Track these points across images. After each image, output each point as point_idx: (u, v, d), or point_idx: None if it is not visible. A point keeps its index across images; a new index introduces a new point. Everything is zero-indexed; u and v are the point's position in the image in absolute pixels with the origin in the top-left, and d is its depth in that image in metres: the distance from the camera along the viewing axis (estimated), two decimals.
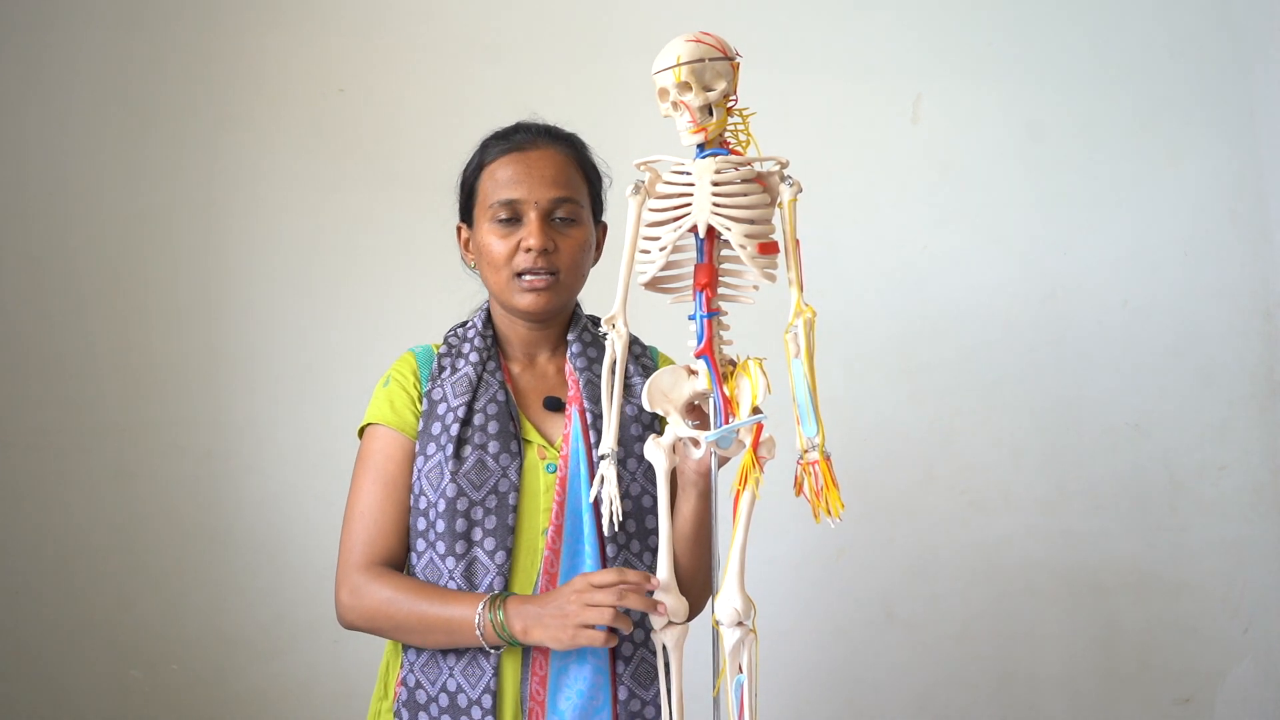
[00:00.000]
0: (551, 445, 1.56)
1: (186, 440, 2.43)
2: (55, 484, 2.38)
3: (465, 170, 1.62)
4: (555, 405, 1.58)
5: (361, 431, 1.60)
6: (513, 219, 1.54)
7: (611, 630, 1.39)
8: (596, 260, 1.64)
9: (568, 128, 1.66)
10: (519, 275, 1.53)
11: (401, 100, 2.54)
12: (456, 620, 1.44)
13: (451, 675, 1.49)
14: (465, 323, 1.65)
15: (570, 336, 1.62)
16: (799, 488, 1.29)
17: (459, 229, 1.65)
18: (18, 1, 2.43)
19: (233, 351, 2.47)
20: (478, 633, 1.43)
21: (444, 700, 1.49)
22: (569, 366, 1.59)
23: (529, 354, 1.63)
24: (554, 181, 1.55)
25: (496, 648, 1.45)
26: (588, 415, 1.54)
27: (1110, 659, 2.63)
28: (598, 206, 1.63)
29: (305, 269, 2.49)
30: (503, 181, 1.55)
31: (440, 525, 1.50)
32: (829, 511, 1.27)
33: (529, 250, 1.52)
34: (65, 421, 2.39)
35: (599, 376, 1.56)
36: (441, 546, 1.50)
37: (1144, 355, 2.67)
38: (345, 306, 2.49)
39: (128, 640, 2.39)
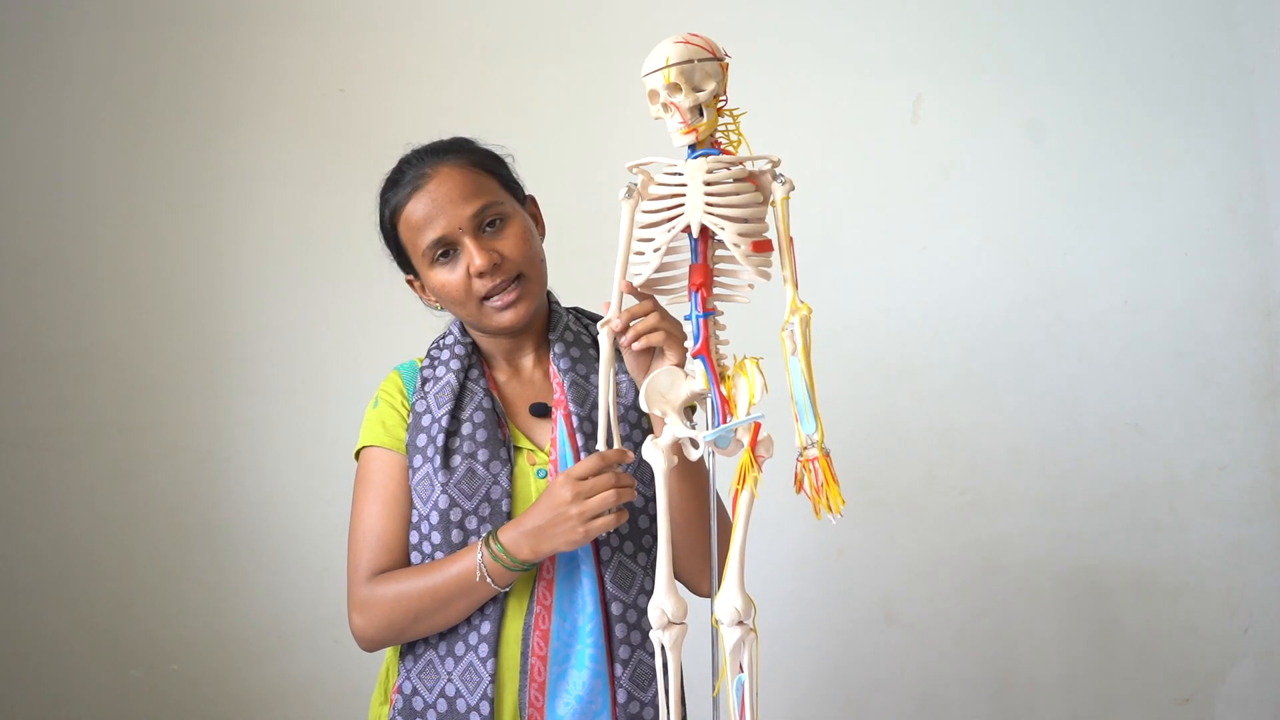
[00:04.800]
0: (541, 450, 1.55)
1: (186, 440, 2.43)
2: (55, 484, 2.39)
3: (382, 228, 1.58)
4: (542, 411, 1.58)
5: (357, 455, 1.60)
6: (449, 253, 1.51)
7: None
8: (543, 234, 1.62)
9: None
10: (485, 299, 1.52)
11: (401, 100, 2.54)
12: (465, 576, 1.44)
13: (450, 681, 1.49)
14: (444, 334, 1.64)
15: (551, 337, 1.60)
16: (799, 485, 1.29)
17: (410, 281, 1.62)
18: (16, 1, 2.43)
19: (232, 352, 2.47)
20: (484, 578, 1.43)
21: (442, 706, 1.48)
22: (553, 369, 1.58)
23: (513, 361, 1.62)
24: (463, 196, 1.51)
25: (508, 586, 1.45)
26: (573, 418, 1.54)
27: (1110, 659, 2.62)
28: (515, 187, 1.60)
29: (306, 269, 2.50)
30: (419, 224, 1.51)
31: (436, 537, 1.50)
32: (830, 508, 1.27)
33: (481, 275, 1.49)
34: (65, 421, 2.39)
35: (583, 378, 1.56)
36: (440, 558, 1.50)
37: (1144, 355, 2.66)
38: (345, 306, 2.49)
39: (128, 640, 2.39)
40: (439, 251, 1.51)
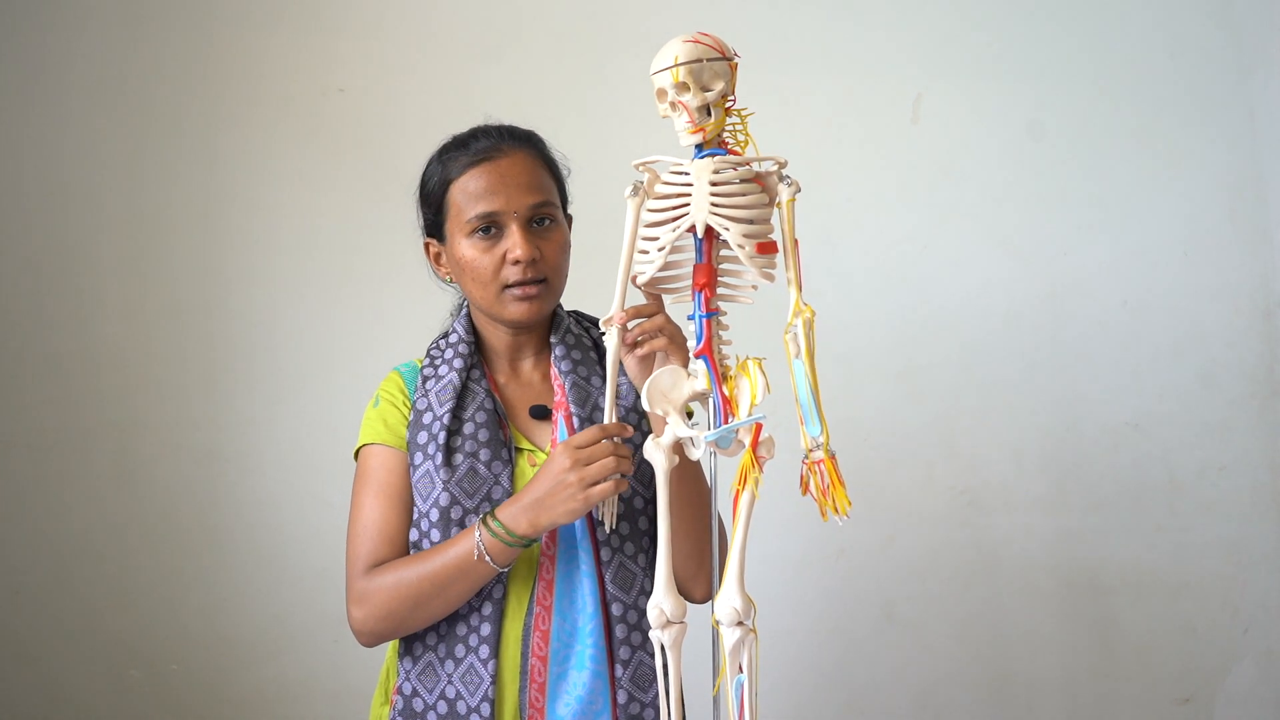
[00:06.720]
0: (541, 451, 1.55)
1: (186, 440, 2.43)
2: (55, 484, 2.38)
3: (427, 186, 1.58)
4: (541, 414, 1.58)
5: (357, 454, 1.59)
6: (492, 231, 1.52)
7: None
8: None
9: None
10: (507, 287, 1.52)
11: (402, 100, 2.54)
12: (464, 557, 1.43)
13: (450, 683, 1.48)
14: (446, 333, 1.64)
15: (553, 339, 1.60)
16: (805, 487, 1.29)
17: (427, 245, 1.62)
18: (17, 1, 2.43)
19: (233, 351, 2.47)
20: (482, 557, 1.42)
21: (443, 708, 1.48)
22: (554, 371, 1.58)
23: (513, 361, 1.62)
24: (528, 187, 1.52)
25: (507, 565, 1.44)
26: (574, 420, 1.53)
27: (1110, 659, 2.63)
28: (565, 200, 1.61)
29: (305, 268, 2.50)
30: (476, 194, 1.51)
31: (436, 534, 1.49)
32: (836, 510, 1.27)
33: (517, 262, 1.50)
34: (65, 421, 2.39)
35: (584, 379, 1.57)
36: None
37: (1144, 355, 2.67)
38: (345, 306, 2.50)
39: (128, 640, 2.39)
40: (483, 225, 1.51)
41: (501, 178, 1.52)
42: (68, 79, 2.44)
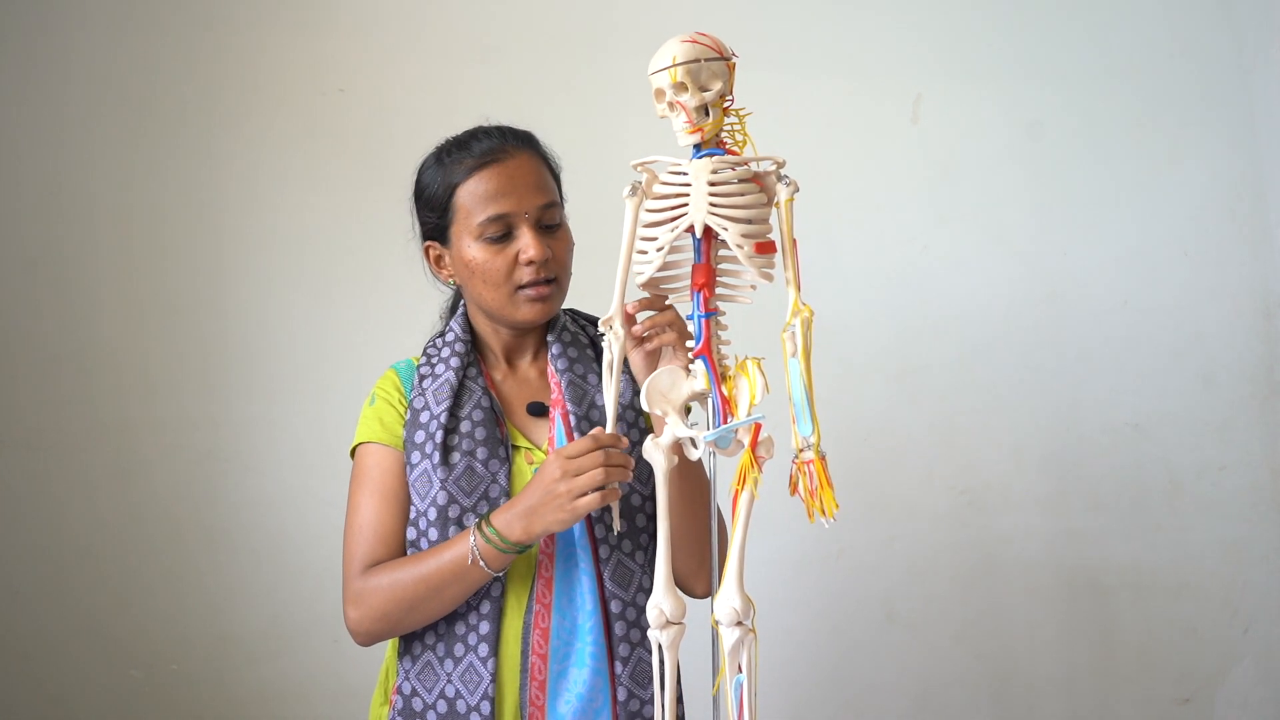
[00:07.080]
0: (539, 449, 1.56)
1: (186, 440, 2.43)
2: (54, 484, 2.38)
3: (429, 189, 1.57)
4: (539, 410, 1.58)
5: (353, 453, 1.59)
6: (504, 233, 1.52)
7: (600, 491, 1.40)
8: None
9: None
10: (520, 288, 1.52)
11: (401, 100, 2.54)
12: (458, 561, 1.43)
13: (450, 682, 1.48)
14: (443, 332, 1.64)
15: (550, 338, 1.61)
16: (794, 487, 1.29)
17: (427, 248, 1.61)
18: (16, 1, 2.43)
19: (232, 351, 2.47)
20: (476, 561, 1.42)
21: (442, 707, 1.48)
22: (550, 369, 1.59)
23: (510, 359, 1.63)
24: (536, 187, 1.53)
25: (502, 570, 1.45)
26: (570, 418, 1.54)
27: (1110, 659, 2.62)
28: (561, 198, 1.61)
29: (303, 267, 2.49)
30: (486, 196, 1.51)
31: (434, 534, 1.50)
32: (823, 511, 1.27)
33: (531, 263, 1.51)
34: (64, 421, 2.39)
35: (580, 377, 1.57)
36: None
37: (1144, 355, 2.66)
38: (345, 306, 2.49)
39: (128, 640, 2.39)
40: (494, 229, 1.51)
41: (510, 179, 1.52)
42: (66, 79, 2.44)
